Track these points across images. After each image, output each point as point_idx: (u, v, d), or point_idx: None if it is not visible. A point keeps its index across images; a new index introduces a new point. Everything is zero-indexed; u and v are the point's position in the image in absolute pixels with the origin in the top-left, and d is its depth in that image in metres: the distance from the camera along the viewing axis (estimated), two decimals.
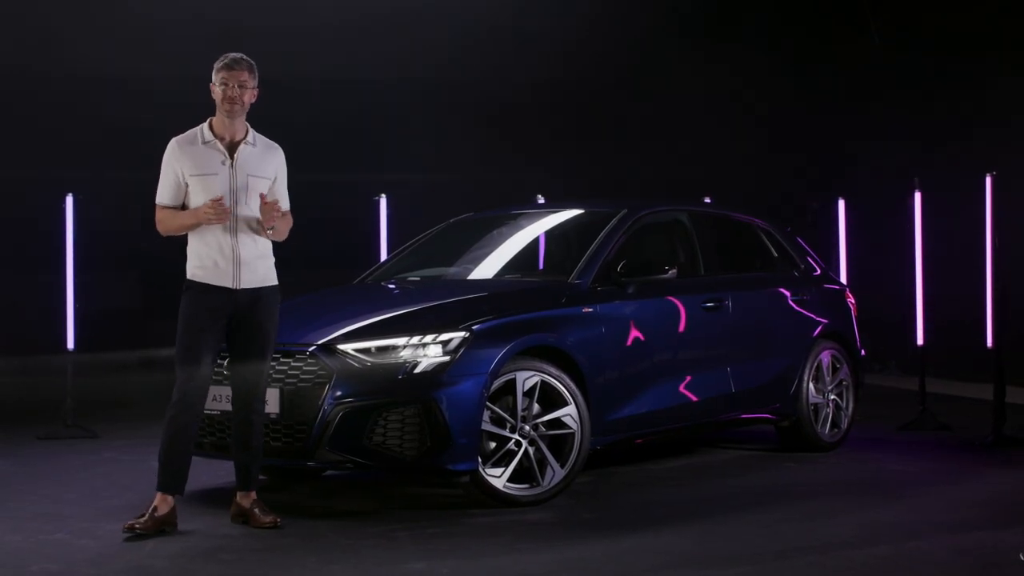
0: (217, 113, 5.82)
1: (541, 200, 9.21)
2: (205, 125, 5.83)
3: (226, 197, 5.69)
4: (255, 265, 5.80)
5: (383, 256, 9.49)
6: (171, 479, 5.70)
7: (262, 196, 5.75)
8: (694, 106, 15.68)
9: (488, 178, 15.88)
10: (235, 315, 5.76)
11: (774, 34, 15.35)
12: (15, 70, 15.03)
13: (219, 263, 5.71)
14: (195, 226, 5.71)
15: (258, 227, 5.79)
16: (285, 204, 5.94)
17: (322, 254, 14.91)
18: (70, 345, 9.30)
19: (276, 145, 5.97)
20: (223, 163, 5.75)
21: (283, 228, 5.91)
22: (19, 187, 14.92)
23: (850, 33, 14.77)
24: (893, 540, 5.46)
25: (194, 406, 5.71)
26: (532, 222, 7.87)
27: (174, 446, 5.70)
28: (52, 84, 15.36)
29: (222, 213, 5.66)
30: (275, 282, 5.90)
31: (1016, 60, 12.69)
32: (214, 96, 5.81)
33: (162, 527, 5.65)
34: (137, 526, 5.59)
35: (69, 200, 9.19)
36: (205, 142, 5.77)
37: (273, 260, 5.92)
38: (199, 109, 6.00)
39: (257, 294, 5.79)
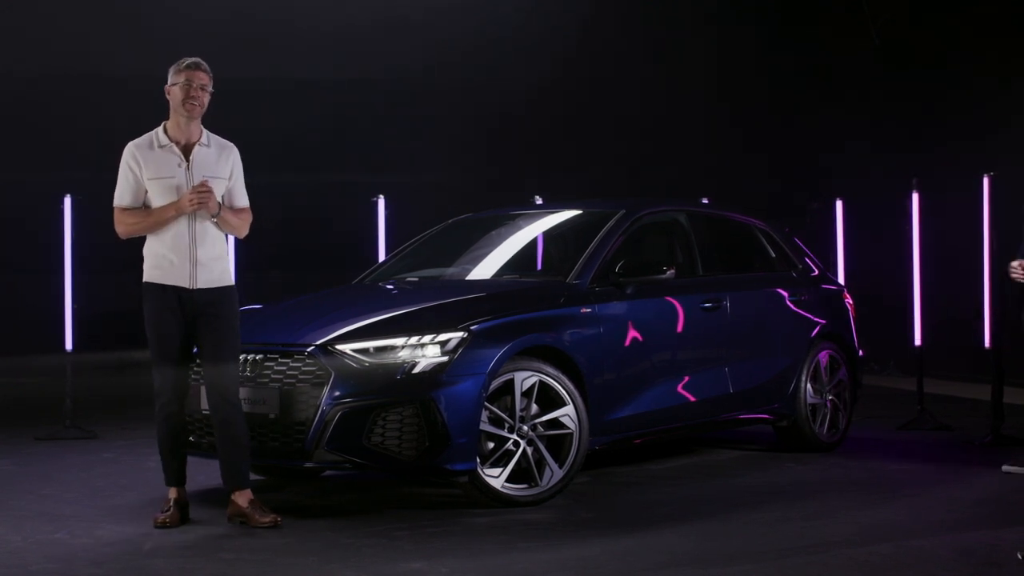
0: (173, 116, 5.88)
1: (539, 201, 9.22)
2: (160, 129, 5.91)
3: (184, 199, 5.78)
4: (211, 266, 5.87)
5: (381, 256, 9.49)
6: (174, 475, 5.93)
7: (203, 180, 5.78)
8: (693, 107, 15.69)
9: (487, 178, 15.89)
10: (195, 316, 5.82)
11: (774, 35, 15.37)
12: (14, 71, 15.03)
13: (175, 263, 5.80)
14: (172, 219, 5.77)
15: (215, 227, 5.88)
16: (243, 201, 6.03)
17: (320, 254, 14.91)
18: (69, 346, 9.30)
19: (230, 144, 6.04)
20: (179, 166, 5.83)
21: (240, 223, 5.99)
22: (18, 188, 14.93)
23: (850, 33, 14.78)
24: (892, 539, 5.47)
25: (175, 404, 5.86)
26: (530, 222, 7.88)
27: (166, 445, 5.90)
28: (50, 85, 15.37)
29: (206, 196, 5.73)
30: (232, 282, 5.99)
31: (1015, 61, 12.70)
32: (171, 98, 5.86)
33: (183, 511, 5.89)
34: (168, 521, 5.79)
35: (67, 201, 9.19)
36: (161, 146, 5.85)
37: (228, 262, 6.01)
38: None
39: (215, 294, 5.86)
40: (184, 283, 5.79)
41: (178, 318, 5.80)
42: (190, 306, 5.80)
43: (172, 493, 5.90)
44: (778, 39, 15.30)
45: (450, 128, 15.78)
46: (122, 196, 5.84)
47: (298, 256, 15.01)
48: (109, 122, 14.71)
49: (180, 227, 5.79)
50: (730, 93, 15.73)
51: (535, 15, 15.09)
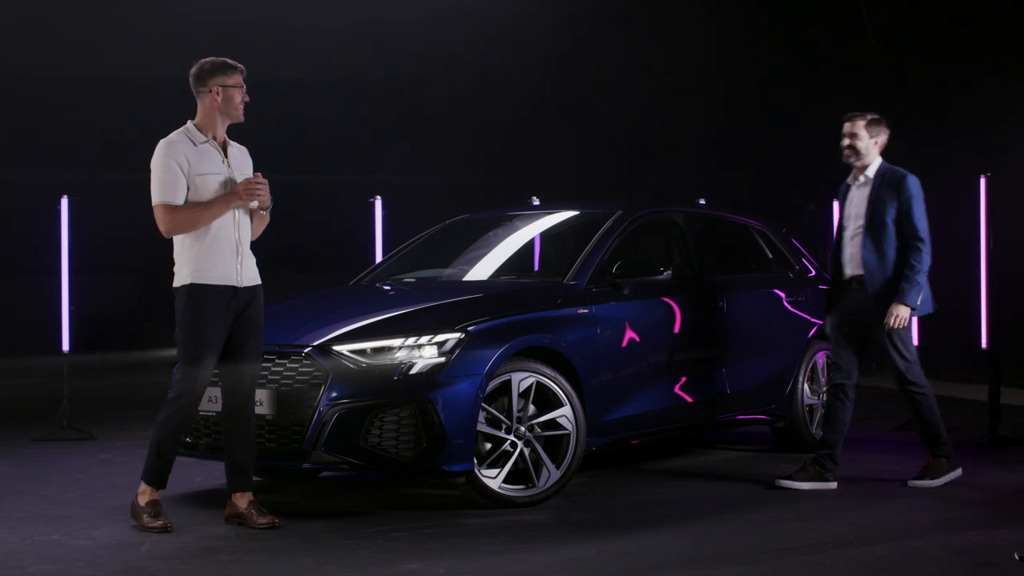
0: (211, 114, 5.81)
1: (536, 201, 9.22)
2: (191, 127, 5.83)
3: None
4: (250, 263, 5.87)
5: (379, 257, 9.49)
6: (163, 476, 5.81)
7: (256, 174, 5.81)
8: (690, 108, 15.70)
9: (484, 179, 15.90)
10: (236, 315, 5.78)
11: (771, 35, 15.37)
12: (11, 72, 15.03)
13: (228, 262, 5.75)
14: (222, 213, 5.71)
15: (251, 221, 5.88)
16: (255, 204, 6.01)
17: (318, 255, 14.92)
18: (65, 347, 9.30)
19: (243, 147, 6.03)
20: (222, 162, 5.79)
21: (260, 225, 5.98)
22: (14, 189, 14.93)
23: (847, 33, 14.79)
24: (889, 539, 5.48)
25: (194, 405, 5.78)
26: (528, 223, 7.88)
27: (171, 445, 5.77)
28: (47, 87, 15.37)
29: (264, 187, 5.75)
30: (260, 281, 5.97)
31: (1014, 61, 12.72)
32: (218, 97, 5.78)
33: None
34: (169, 525, 5.72)
35: (64, 202, 9.19)
36: (201, 142, 5.78)
37: None
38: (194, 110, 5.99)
39: (254, 292, 5.85)
40: (233, 281, 5.75)
41: (223, 319, 5.72)
42: (234, 304, 5.75)
43: (156, 495, 5.80)
44: (774, 39, 15.31)
45: (447, 130, 15.79)
46: (170, 193, 5.67)
47: (295, 257, 15.02)
48: (107, 124, 14.75)
49: (226, 224, 5.74)
50: (726, 93, 15.74)
51: (533, 19, 15.10)
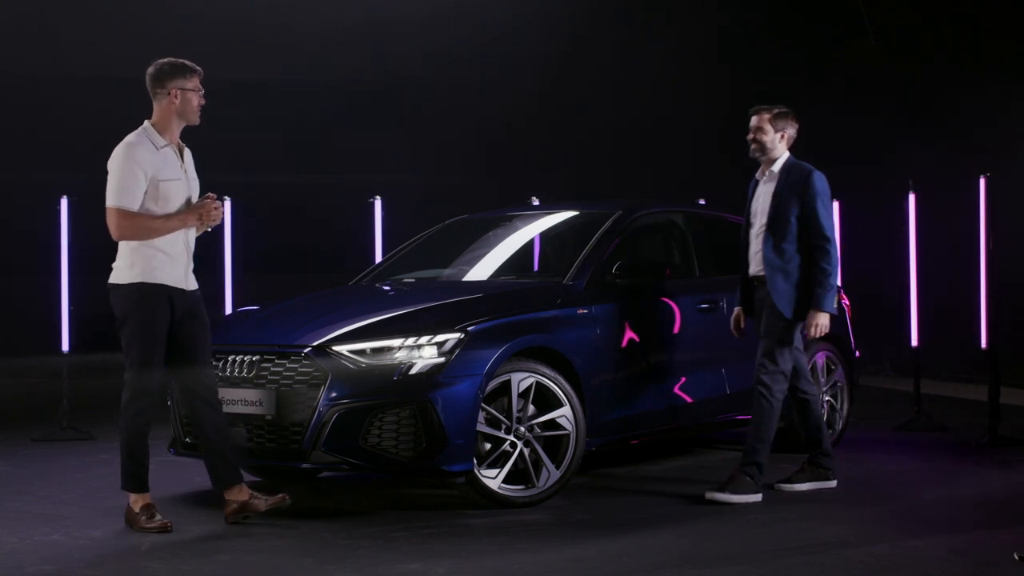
0: (168, 116, 5.78)
1: (536, 201, 9.22)
2: (151, 129, 5.78)
3: (183, 202, 5.78)
4: (192, 269, 5.88)
5: (378, 258, 9.49)
6: (142, 479, 5.80)
7: (210, 195, 5.82)
8: (690, 107, 15.69)
9: (484, 180, 15.89)
10: (181, 318, 5.77)
11: (771, 35, 15.37)
12: (11, 72, 15.02)
13: (178, 264, 5.77)
14: (176, 230, 5.71)
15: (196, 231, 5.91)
16: None
17: (317, 255, 14.91)
18: (65, 347, 9.30)
19: (188, 149, 6.00)
20: (180, 167, 5.79)
21: (197, 233, 6.00)
22: (14, 189, 14.93)
23: (847, 33, 14.79)
24: (889, 539, 5.48)
25: (153, 408, 5.79)
26: (527, 223, 7.88)
27: (139, 446, 5.77)
28: (47, 86, 15.36)
29: (220, 213, 5.80)
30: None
31: (1013, 61, 12.72)
32: (176, 100, 5.75)
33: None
34: (167, 525, 5.70)
35: (64, 202, 9.19)
36: (162, 146, 5.75)
37: None
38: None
39: (197, 295, 5.88)
40: (181, 284, 5.77)
41: (169, 320, 5.74)
42: (180, 307, 5.77)
43: (147, 498, 5.80)
44: (774, 40, 15.30)
45: (447, 129, 15.79)
46: (128, 198, 5.62)
47: (295, 257, 15.02)
48: (107, 124, 14.72)
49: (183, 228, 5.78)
50: (726, 94, 15.73)
51: (533, 19, 15.10)
